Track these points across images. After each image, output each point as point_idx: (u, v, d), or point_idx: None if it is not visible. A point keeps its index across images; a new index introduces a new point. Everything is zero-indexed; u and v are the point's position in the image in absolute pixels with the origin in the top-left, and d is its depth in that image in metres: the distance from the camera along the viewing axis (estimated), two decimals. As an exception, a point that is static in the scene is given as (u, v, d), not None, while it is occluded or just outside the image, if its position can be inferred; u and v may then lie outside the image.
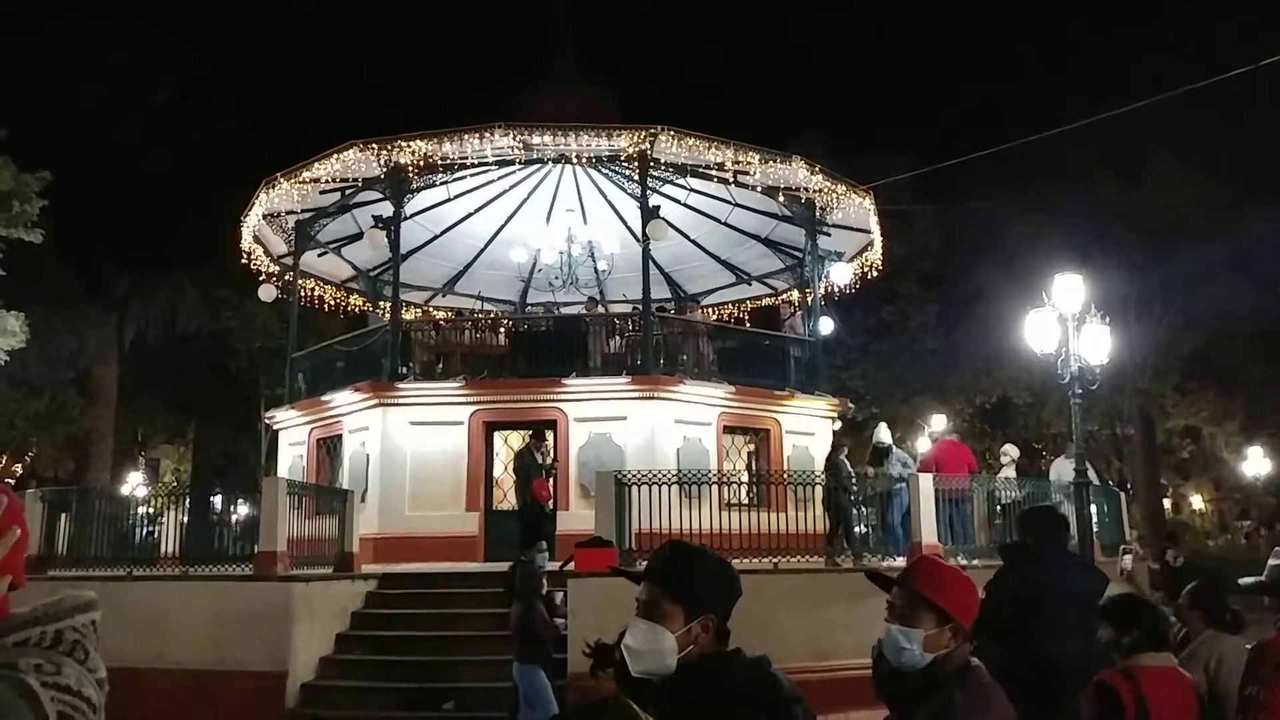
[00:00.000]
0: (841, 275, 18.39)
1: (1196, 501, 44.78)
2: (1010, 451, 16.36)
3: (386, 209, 15.96)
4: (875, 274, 18.93)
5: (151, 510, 14.39)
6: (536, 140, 15.08)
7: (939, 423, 20.45)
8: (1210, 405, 31.86)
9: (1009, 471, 15.62)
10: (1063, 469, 14.77)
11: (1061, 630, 4.84)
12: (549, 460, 13.91)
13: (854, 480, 13.28)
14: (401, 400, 15.42)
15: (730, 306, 21.85)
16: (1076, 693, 4.61)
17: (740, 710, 2.08)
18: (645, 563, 2.44)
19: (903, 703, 2.76)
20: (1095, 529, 12.52)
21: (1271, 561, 3.89)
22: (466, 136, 14.92)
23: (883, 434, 14.98)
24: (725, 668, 2.19)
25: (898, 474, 13.69)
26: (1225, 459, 35.12)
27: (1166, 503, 36.85)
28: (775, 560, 11.45)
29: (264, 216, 17.14)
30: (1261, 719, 3.58)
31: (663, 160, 15.45)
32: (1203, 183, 24.38)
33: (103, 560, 12.51)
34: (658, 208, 15.60)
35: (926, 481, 12.38)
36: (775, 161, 15.58)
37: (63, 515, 13.19)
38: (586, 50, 20.16)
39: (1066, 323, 10.95)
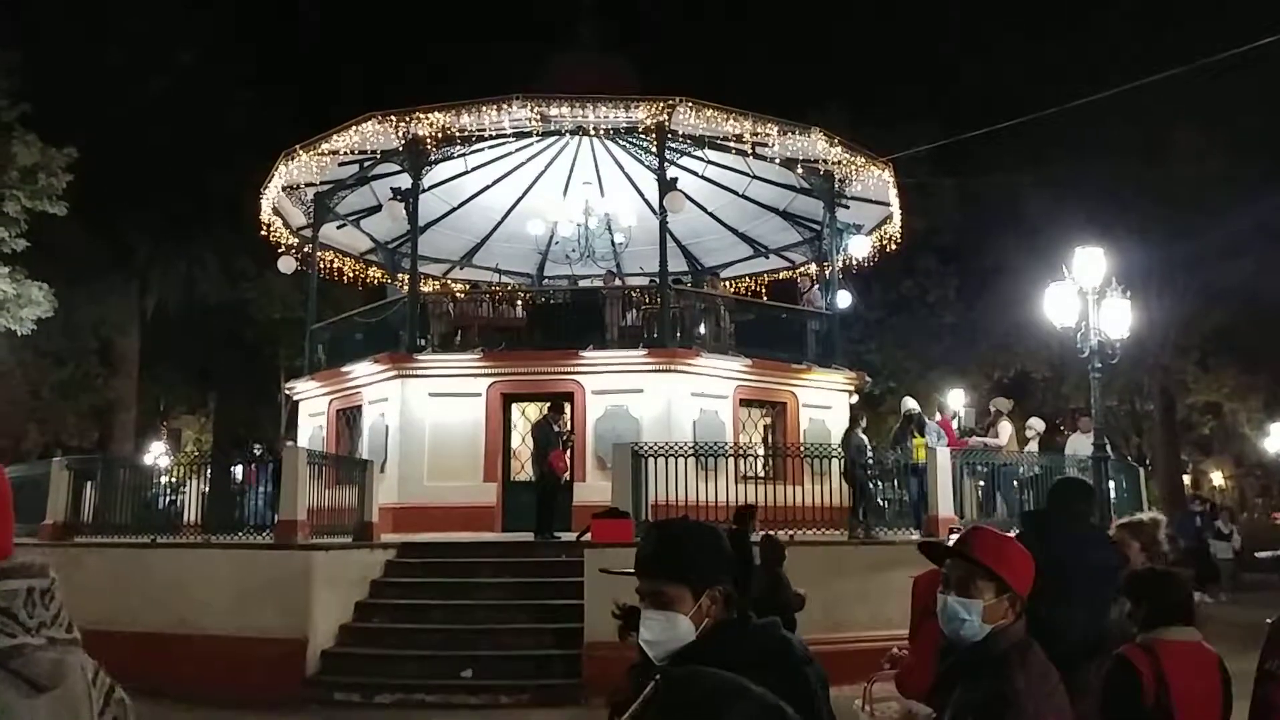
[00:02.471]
0: (860, 248, 18.26)
1: (1217, 478, 44.50)
2: (1036, 425, 16.29)
3: (405, 181, 15.96)
4: (894, 247, 18.80)
5: (174, 480, 14.58)
6: (554, 111, 15.01)
7: (955, 398, 20.34)
8: (1232, 381, 31.52)
9: (1032, 446, 15.57)
10: (1078, 444, 14.72)
11: (1071, 600, 4.85)
12: (566, 432, 13.97)
13: (865, 454, 13.26)
14: (420, 372, 15.49)
15: (747, 280, 21.78)
16: (1085, 664, 4.61)
17: (753, 673, 2.09)
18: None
19: (955, 680, 2.63)
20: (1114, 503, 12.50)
21: None
22: (484, 108, 14.88)
23: (909, 405, 14.94)
24: (737, 634, 2.18)
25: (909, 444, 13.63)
26: (1247, 435, 34.85)
27: (1186, 479, 36.65)
28: (791, 533, 11.48)
29: (283, 188, 17.19)
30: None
31: (681, 132, 15.36)
32: (1230, 154, 24.02)
33: (126, 528, 12.70)
34: (675, 180, 15.52)
35: (944, 456, 12.37)
36: (794, 133, 15.46)
37: (88, 484, 13.39)
38: (609, 20, 20.01)
39: (1087, 296, 10.85)
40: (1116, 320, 10.91)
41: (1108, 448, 12.22)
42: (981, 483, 13.84)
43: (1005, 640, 2.58)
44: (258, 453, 15.95)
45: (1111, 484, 12.80)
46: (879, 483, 13.44)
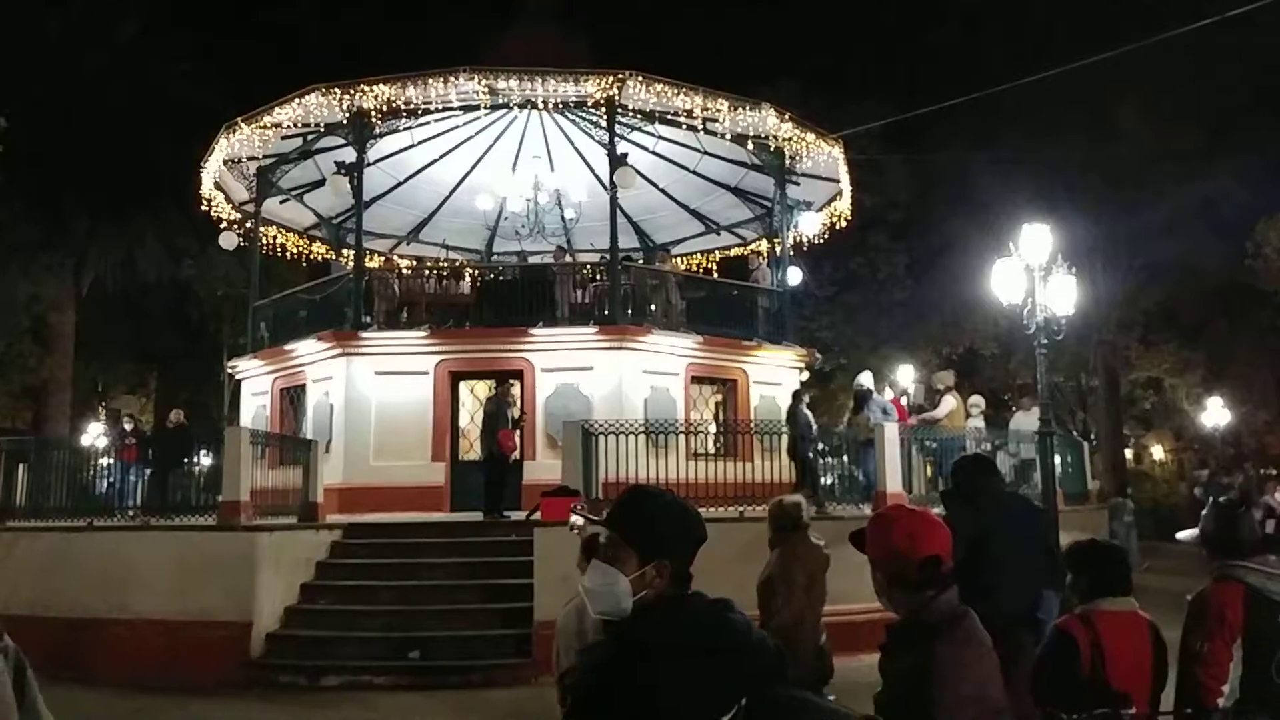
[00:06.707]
0: (810, 225, 18.32)
1: (1157, 452, 45.57)
2: (979, 402, 16.51)
3: (349, 155, 15.64)
4: (844, 224, 18.87)
5: (113, 461, 14.20)
6: (503, 85, 14.78)
7: (905, 374, 20.55)
8: (1173, 357, 32.27)
9: (977, 422, 15.75)
10: (1022, 421, 14.95)
11: (997, 569, 4.94)
12: (516, 411, 13.84)
13: (813, 429, 13.31)
14: (365, 350, 15.25)
15: (699, 256, 21.74)
16: (1022, 632, 4.69)
17: (691, 651, 2.05)
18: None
19: (892, 652, 2.69)
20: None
21: (1204, 513, 3.94)
22: (431, 80, 14.62)
23: (864, 379, 15.00)
24: (678, 610, 2.16)
25: (876, 420, 13.70)
26: (1186, 410, 35.69)
27: (1128, 453, 37.50)
28: (741, 509, 11.50)
29: (225, 162, 16.77)
30: (1205, 670, 3.59)
31: (631, 106, 15.22)
32: (1172, 132, 24.45)
33: (62, 511, 12.35)
34: (626, 155, 15.40)
35: (892, 431, 12.45)
36: (744, 108, 15.39)
37: (20, 466, 13.01)
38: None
39: (1033, 273, 10.96)
40: (1062, 296, 11.03)
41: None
42: (930, 459, 13.97)
43: (934, 614, 2.62)
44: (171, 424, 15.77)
45: (1057, 458, 13.00)
46: (828, 458, 13.52)
